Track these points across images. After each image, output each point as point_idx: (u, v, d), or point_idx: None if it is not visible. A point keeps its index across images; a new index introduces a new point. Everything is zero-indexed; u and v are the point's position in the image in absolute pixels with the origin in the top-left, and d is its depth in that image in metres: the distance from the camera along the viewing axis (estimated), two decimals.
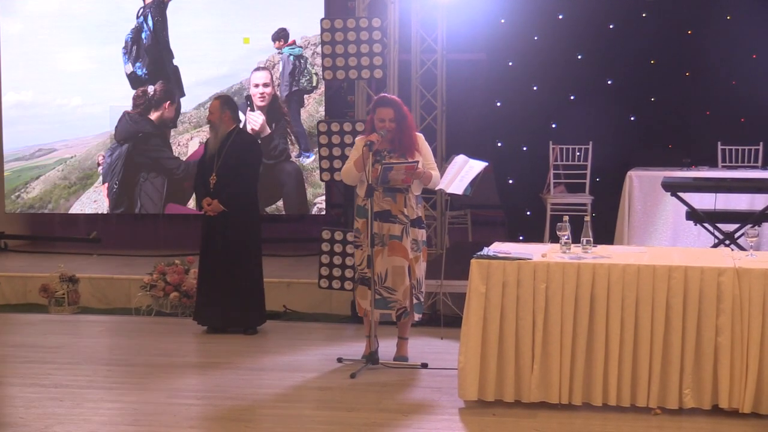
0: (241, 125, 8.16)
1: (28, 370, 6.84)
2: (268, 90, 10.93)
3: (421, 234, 6.86)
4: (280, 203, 10.95)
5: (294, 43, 10.86)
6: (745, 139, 10.01)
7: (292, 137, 10.92)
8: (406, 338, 6.98)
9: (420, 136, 6.89)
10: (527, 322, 5.80)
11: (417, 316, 6.90)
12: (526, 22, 10.45)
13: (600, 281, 5.74)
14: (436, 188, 7.19)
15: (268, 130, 10.78)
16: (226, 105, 7.87)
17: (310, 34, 10.69)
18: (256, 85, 10.96)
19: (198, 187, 7.97)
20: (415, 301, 6.81)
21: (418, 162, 6.66)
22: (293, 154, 10.92)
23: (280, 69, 10.93)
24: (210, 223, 7.84)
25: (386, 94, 7.21)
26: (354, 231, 6.91)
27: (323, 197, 10.92)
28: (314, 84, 10.87)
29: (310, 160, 10.87)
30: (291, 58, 10.87)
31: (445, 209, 9.56)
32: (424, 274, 6.92)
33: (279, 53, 10.91)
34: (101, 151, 11.33)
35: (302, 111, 10.91)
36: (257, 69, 10.97)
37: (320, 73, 10.45)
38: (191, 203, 11.06)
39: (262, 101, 10.88)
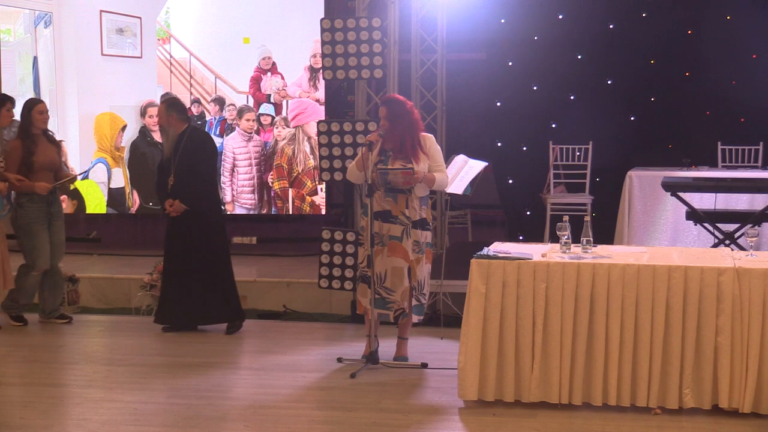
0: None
1: (28, 370, 6.84)
2: None
3: (425, 236, 6.80)
4: None
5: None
6: (745, 139, 10.02)
7: None
8: (406, 338, 6.97)
9: (429, 137, 6.82)
10: (527, 322, 5.80)
11: (416, 318, 6.88)
12: (526, 22, 10.46)
13: (600, 281, 5.74)
14: (447, 190, 7.19)
15: None
16: (171, 107, 7.87)
17: (310, 34, 10.64)
18: None
19: (159, 190, 7.99)
20: (414, 302, 6.78)
21: (413, 168, 6.61)
22: None
23: None
24: (173, 224, 7.87)
25: (392, 94, 7.19)
26: (359, 229, 6.91)
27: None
28: None
29: None
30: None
31: (445, 209, 9.57)
32: (428, 276, 6.90)
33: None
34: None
35: None
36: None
37: None
38: None
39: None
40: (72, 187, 8.36)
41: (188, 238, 7.80)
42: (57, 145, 8.33)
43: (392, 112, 6.71)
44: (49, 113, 8.22)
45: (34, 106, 8.10)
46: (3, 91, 10.38)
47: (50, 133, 8.27)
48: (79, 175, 8.49)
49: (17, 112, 8.19)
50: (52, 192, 8.10)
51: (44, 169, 8.02)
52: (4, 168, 7.88)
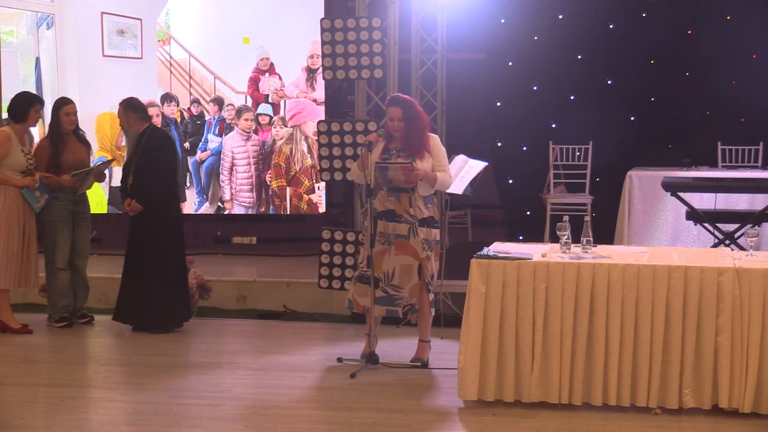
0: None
1: (28, 370, 6.84)
2: None
3: (434, 234, 6.84)
4: None
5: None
6: (745, 139, 10.01)
7: None
8: (427, 341, 6.88)
9: (434, 137, 6.85)
10: (527, 322, 5.81)
11: (432, 311, 6.92)
12: (526, 22, 10.45)
13: (600, 281, 5.74)
14: (447, 190, 7.20)
15: None
16: (128, 109, 7.92)
17: (308, 34, 10.62)
18: None
19: (122, 190, 8.04)
20: (431, 297, 6.82)
21: (410, 163, 6.60)
22: None
23: None
24: (133, 223, 7.93)
25: (399, 94, 7.19)
26: (363, 228, 6.89)
27: None
28: None
29: None
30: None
31: (445, 209, 9.55)
32: (436, 273, 6.91)
33: None
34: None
35: None
36: None
37: None
38: (189, 199, 11.12)
39: None
40: (105, 173, 8.40)
41: (143, 239, 7.86)
42: (87, 144, 8.28)
43: (408, 114, 6.72)
44: (77, 114, 8.13)
45: (62, 106, 8.05)
46: (4, 92, 10.39)
47: (81, 133, 8.22)
48: (100, 164, 8.46)
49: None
50: (79, 192, 8.09)
51: (73, 169, 7.97)
52: (34, 166, 7.86)
